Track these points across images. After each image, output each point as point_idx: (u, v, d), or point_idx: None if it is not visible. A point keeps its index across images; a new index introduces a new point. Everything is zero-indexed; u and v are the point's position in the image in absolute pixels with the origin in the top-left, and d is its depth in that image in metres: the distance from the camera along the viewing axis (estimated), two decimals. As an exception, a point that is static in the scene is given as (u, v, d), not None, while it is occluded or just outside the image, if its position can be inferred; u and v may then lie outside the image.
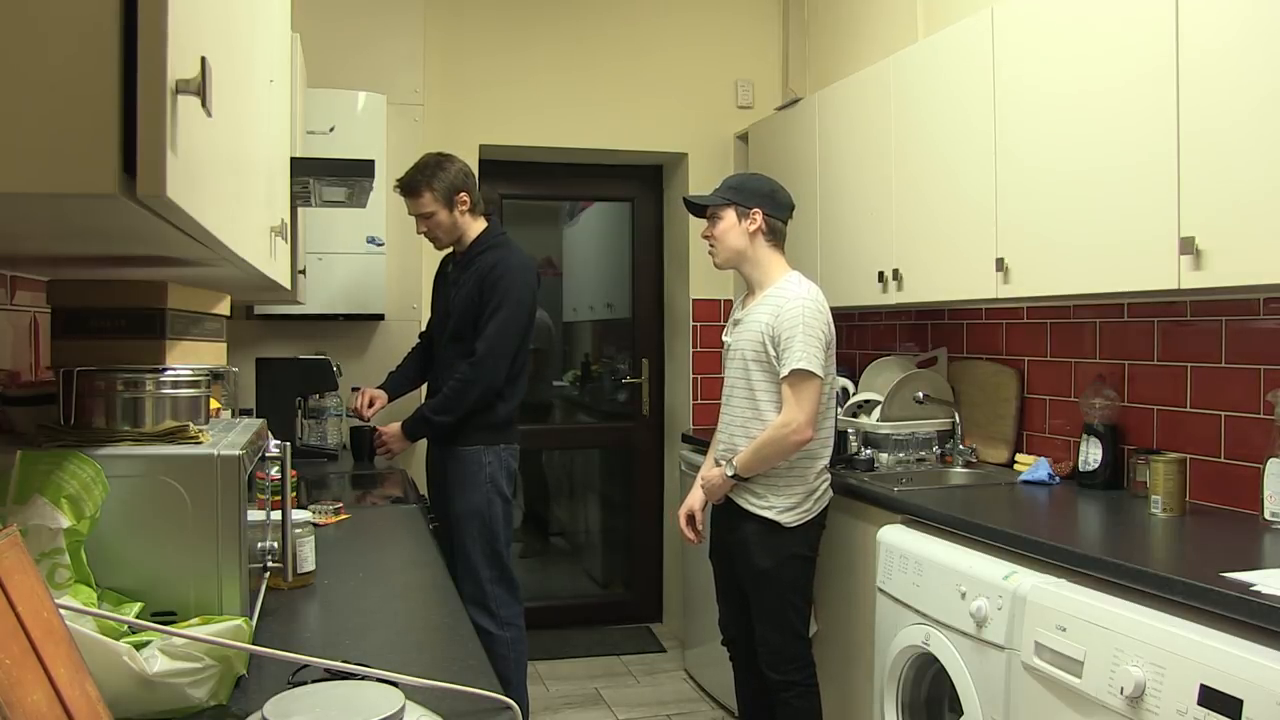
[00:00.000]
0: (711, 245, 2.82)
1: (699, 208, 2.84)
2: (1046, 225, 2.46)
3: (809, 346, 2.57)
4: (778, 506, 2.67)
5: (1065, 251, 2.40)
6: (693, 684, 4.03)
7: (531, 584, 4.88)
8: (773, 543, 2.68)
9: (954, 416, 3.22)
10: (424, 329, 3.53)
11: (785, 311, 2.62)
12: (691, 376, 4.43)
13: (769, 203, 2.76)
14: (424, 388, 3.42)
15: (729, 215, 2.76)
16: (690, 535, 2.91)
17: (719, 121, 4.44)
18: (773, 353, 2.63)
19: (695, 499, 2.88)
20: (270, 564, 1.61)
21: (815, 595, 3.03)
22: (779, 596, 2.71)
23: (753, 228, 2.74)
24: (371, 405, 3.33)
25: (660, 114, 4.37)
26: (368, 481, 3.23)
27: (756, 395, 2.69)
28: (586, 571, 5.25)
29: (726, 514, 2.80)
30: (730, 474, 2.69)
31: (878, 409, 3.21)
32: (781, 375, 2.61)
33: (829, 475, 2.78)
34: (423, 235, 3.25)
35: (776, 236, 2.78)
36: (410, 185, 3.14)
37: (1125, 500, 2.53)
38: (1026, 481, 2.79)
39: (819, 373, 2.58)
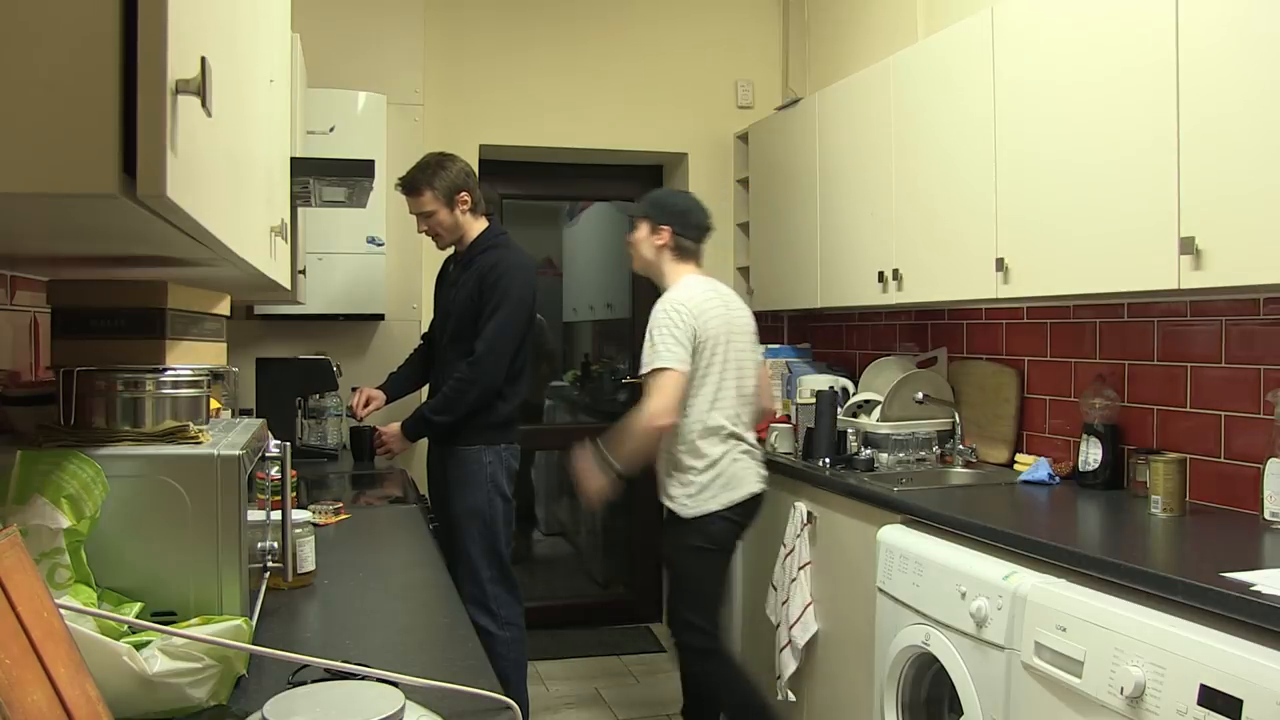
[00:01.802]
0: (630, 251, 3.03)
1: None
2: (1046, 225, 2.46)
3: (659, 345, 2.74)
4: (675, 497, 2.85)
5: (1065, 251, 2.40)
6: (693, 684, 4.03)
7: (531, 584, 4.88)
8: (672, 531, 2.88)
9: (954, 416, 3.22)
10: (425, 330, 3.53)
11: (651, 318, 2.82)
12: (691, 376, 4.43)
13: (680, 221, 2.95)
14: (425, 389, 3.42)
15: (643, 227, 2.97)
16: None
17: (719, 121, 4.44)
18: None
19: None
20: (270, 564, 1.61)
21: (813, 595, 3.03)
22: (675, 582, 2.93)
23: (659, 243, 2.94)
24: (368, 405, 3.34)
25: (660, 114, 4.37)
26: (368, 481, 3.23)
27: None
28: (586, 571, 5.25)
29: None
30: (612, 469, 2.81)
31: (878, 409, 3.21)
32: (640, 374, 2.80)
33: (747, 473, 2.86)
34: (424, 234, 3.25)
35: (684, 253, 2.96)
36: (411, 184, 3.15)
37: (1125, 500, 2.53)
38: (1026, 481, 2.79)
39: (666, 366, 2.73)
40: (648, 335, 2.80)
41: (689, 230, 2.96)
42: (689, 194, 3.10)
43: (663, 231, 2.93)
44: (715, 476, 2.82)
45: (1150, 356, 2.63)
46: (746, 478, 2.87)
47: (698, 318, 2.79)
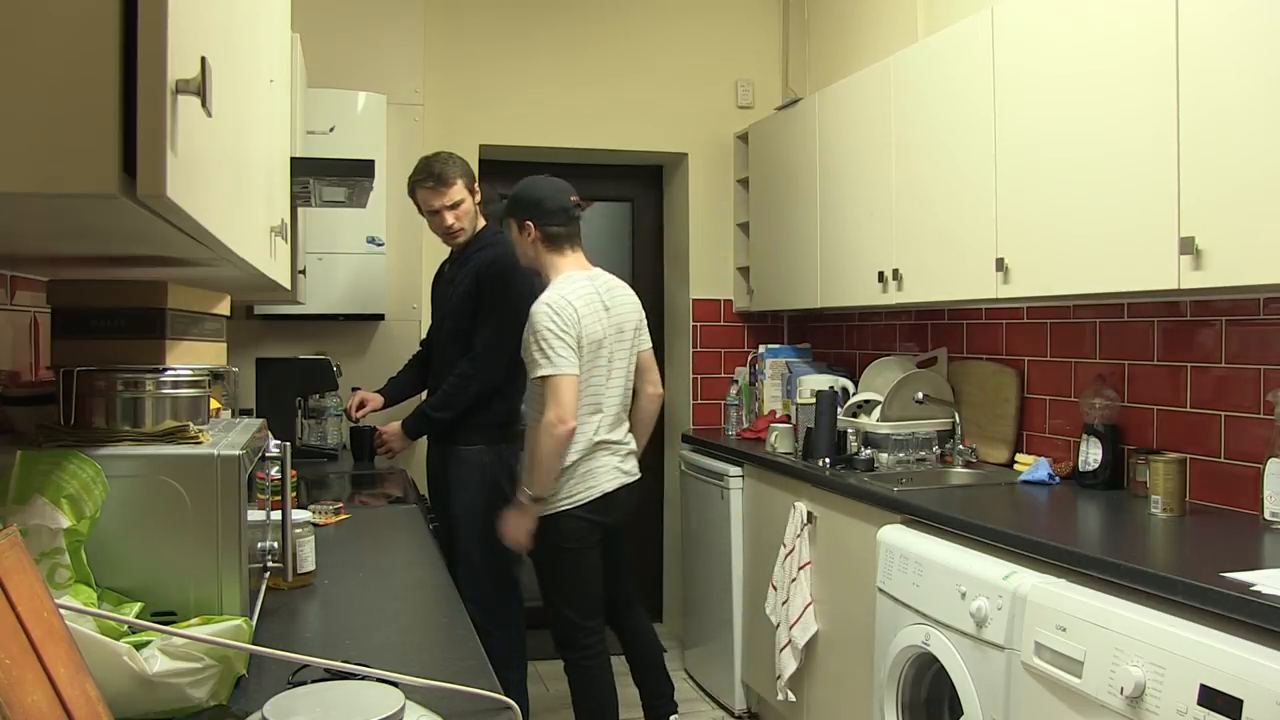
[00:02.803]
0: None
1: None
2: (1046, 225, 2.46)
3: (547, 350, 2.69)
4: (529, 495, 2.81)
5: (1065, 251, 2.40)
6: (692, 684, 4.03)
7: (532, 584, 4.86)
8: (538, 531, 2.83)
9: (954, 416, 3.22)
10: (424, 336, 3.53)
11: (531, 319, 2.74)
12: (691, 376, 4.43)
13: (537, 212, 2.85)
14: (425, 393, 3.42)
15: (513, 228, 2.92)
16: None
17: (719, 121, 4.44)
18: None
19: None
20: (270, 564, 1.61)
21: (813, 595, 3.04)
22: (544, 581, 2.94)
23: (530, 239, 2.87)
24: (362, 407, 3.35)
25: (660, 114, 4.37)
26: (368, 481, 3.23)
27: (529, 389, 2.86)
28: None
29: None
30: (524, 500, 2.79)
31: (878, 409, 3.21)
32: (530, 379, 2.77)
33: (601, 470, 2.83)
34: (444, 230, 3.19)
35: (556, 240, 2.87)
36: (443, 175, 3.12)
37: (1125, 500, 2.52)
38: (1026, 481, 2.79)
39: (559, 372, 2.69)
40: (531, 338, 2.72)
41: (550, 218, 2.85)
42: (544, 178, 2.95)
43: (528, 227, 2.86)
44: (568, 478, 2.79)
45: (1150, 356, 2.63)
46: (602, 476, 2.84)
47: (578, 323, 2.75)
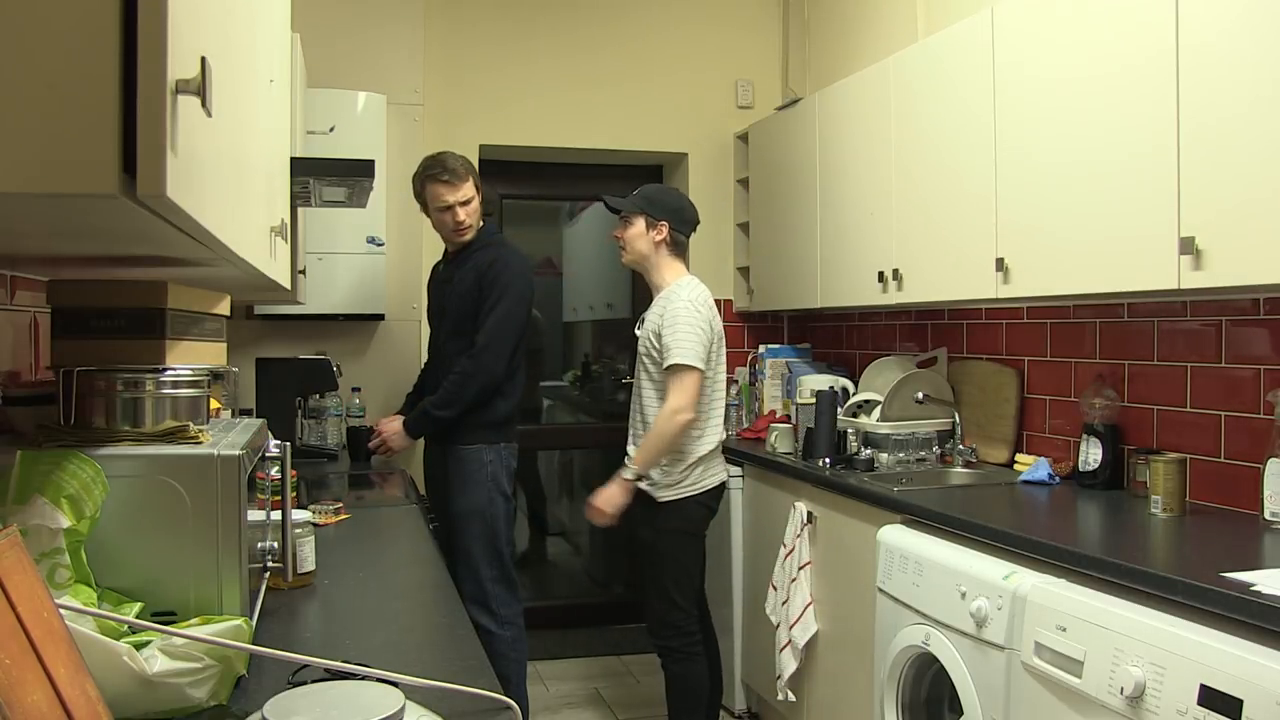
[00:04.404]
0: (621, 245, 3.11)
1: (616, 210, 3.14)
2: (1046, 225, 2.46)
3: (686, 343, 2.84)
4: (656, 482, 2.94)
5: (1065, 251, 2.40)
6: (693, 684, 4.03)
7: (531, 584, 4.88)
8: (649, 516, 2.95)
9: (954, 416, 3.22)
10: (428, 343, 3.53)
11: (668, 312, 2.91)
12: (691, 376, 4.43)
13: (676, 218, 3.05)
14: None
15: (639, 222, 3.05)
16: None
17: (719, 121, 4.44)
18: (658, 347, 2.92)
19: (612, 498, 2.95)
20: (270, 564, 1.61)
21: (813, 595, 3.04)
22: (657, 566, 2.98)
23: (658, 238, 3.03)
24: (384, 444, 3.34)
25: (660, 114, 4.37)
26: (368, 481, 3.23)
27: (643, 385, 2.99)
28: (587, 571, 5.25)
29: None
30: (629, 476, 2.91)
31: (878, 409, 3.21)
32: (665, 367, 2.88)
33: (719, 463, 3.04)
34: (454, 226, 3.18)
35: (678, 247, 3.07)
36: (456, 171, 3.14)
37: (1125, 500, 2.52)
38: (1026, 481, 2.79)
39: (695, 365, 2.84)
40: (670, 328, 2.87)
41: (684, 226, 3.07)
42: (679, 191, 3.14)
43: (661, 226, 3.02)
44: (696, 465, 2.95)
45: (1150, 356, 2.63)
46: (718, 467, 3.05)
47: (710, 320, 2.93)
